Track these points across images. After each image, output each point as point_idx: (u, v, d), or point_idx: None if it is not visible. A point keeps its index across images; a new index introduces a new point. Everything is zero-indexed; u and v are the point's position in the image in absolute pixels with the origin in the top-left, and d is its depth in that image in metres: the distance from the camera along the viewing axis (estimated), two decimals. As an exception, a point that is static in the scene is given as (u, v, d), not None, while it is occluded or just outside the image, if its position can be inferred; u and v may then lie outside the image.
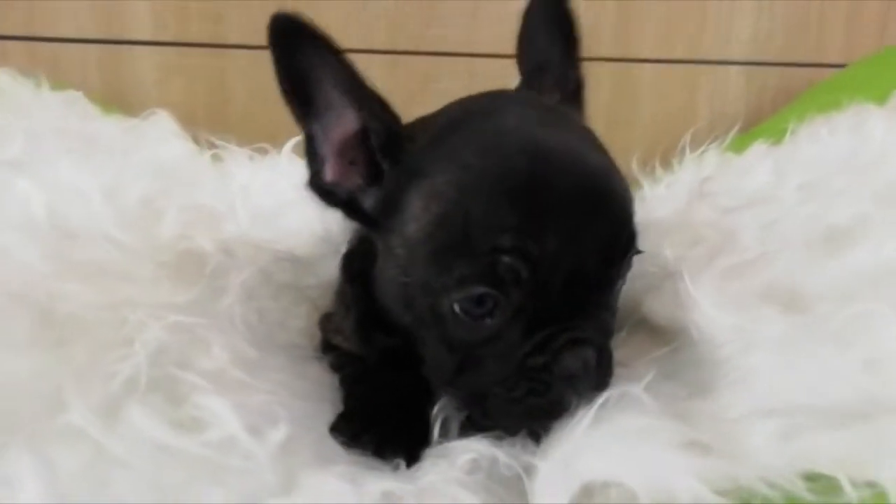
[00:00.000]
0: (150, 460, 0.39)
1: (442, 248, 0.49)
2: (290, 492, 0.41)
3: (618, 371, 0.53)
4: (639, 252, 0.53)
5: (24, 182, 0.60)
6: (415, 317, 0.53)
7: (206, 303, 0.61)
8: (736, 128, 1.06)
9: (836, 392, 0.44)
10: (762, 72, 1.40)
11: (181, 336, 0.52)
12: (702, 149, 1.03)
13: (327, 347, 0.67)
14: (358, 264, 0.62)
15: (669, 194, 0.92)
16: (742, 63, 1.39)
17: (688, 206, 0.80)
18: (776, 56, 1.39)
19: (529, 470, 0.45)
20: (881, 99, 0.93)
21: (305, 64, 0.50)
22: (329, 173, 0.54)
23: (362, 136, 0.53)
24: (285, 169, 0.94)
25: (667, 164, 1.08)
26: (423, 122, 0.56)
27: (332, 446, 0.50)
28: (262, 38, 1.30)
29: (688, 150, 1.01)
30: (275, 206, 0.88)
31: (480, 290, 0.48)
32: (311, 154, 0.53)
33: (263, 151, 1.00)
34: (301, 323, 0.68)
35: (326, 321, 0.69)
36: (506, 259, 0.46)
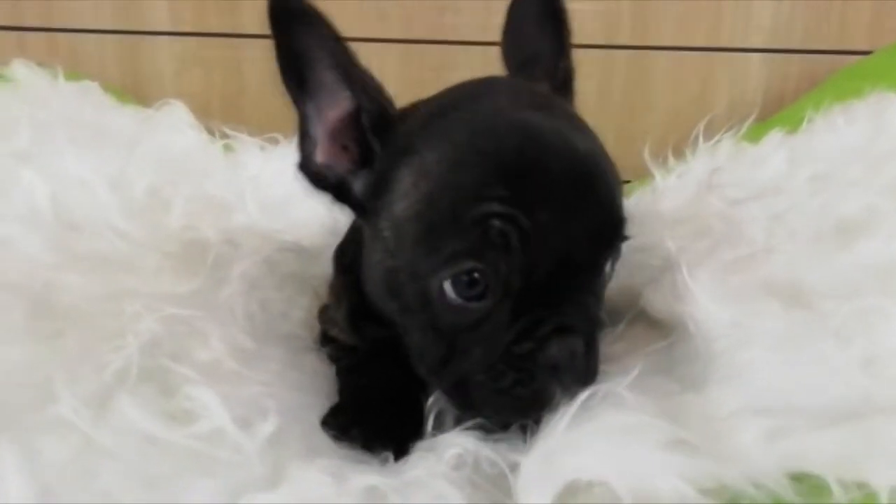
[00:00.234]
0: (138, 452, 0.40)
1: (430, 225, 0.49)
2: (277, 485, 0.41)
3: (610, 366, 0.53)
4: (626, 238, 0.52)
5: (29, 173, 0.61)
6: (401, 304, 0.53)
7: (208, 293, 0.62)
8: (752, 117, 1.04)
9: (832, 390, 0.43)
10: (783, 59, 1.36)
11: (178, 327, 0.53)
12: (716, 138, 1.01)
13: (325, 339, 0.67)
14: (349, 256, 0.63)
15: (680, 184, 0.91)
16: (762, 50, 1.36)
17: (696, 197, 0.79)
18: (798, 43, 1.35)
19: (515, 467, 0.44)
20: (906, 87, 0.90)
21: (303, 44, 0.51)
22: (320, 155, 0.55)
23: (355, 117, 0.53)
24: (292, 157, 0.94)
25: (681, 153, 1.06)
26: (416, 105, 0.57)
27: (324, 439, 0.51)
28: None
29: (701, 140, 0.99)
30: (284, 196, 0.89)
31: (470, 264, 0.47)
32: (304, 134, 0.54)
33: (275, 141, 1.00)
34: (303, 314, 0.69)
35: (323, 313, 0.69)
36: (496, 224, 0.46)
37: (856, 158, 0.75)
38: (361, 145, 0.54)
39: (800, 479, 0.39)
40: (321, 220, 0.86)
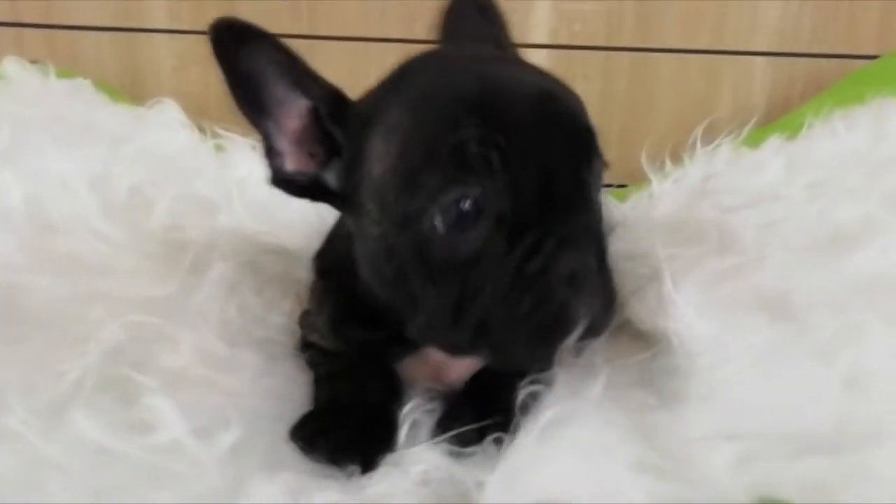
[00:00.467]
0: (88, 464, 0.39)
1: (409, 171, 0.48)
2: (233, 500, 0.40)
3: (589, 378, 0.52)
4: (604, 161, 0.51)
5: (5, 173, 0.61)
6: (398, 273, 0.51)
7: (184, 297, 0.61)
8: (752, 121, 1.01)
9: (810, 412, 0.41)
10: (789, 63, 1.33)
11: (146, 333, 0.52)
12: (715, 143, 0.99)
13: (305, 345, 0.66)
14: (329, 260, 0.63)
15: (676, 190, 0.89)
16: (768, 53, 1.33)
17: (691, 203, 0.77)
18: (804, 46, 1.32)
19: (481, 485, 0.43)
20: (914, 92, 0.88)
21: (250, 65, 0.51)
22: (289, 164, 0.55)
23: (314, 118, 0.53)
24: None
25: (680, 158, 1.04)
26: (369, 89, 0.56)
27: (291, 450, 0.50)
28: (274, 25, 1.30)
29: (699, 145, 0.97)
30: (272, 197, 0.88)
31: (455, 192, 0.46)
32: (269, 151, 0.54)
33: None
34: (283, 319, 0.67)
35: (304, 318, 0.68)
36: (473, 147, 0.46)
37: (855, 165, 0.73)
38: (326, 142, 0.54)
39: (768, 505, 0.38)
40: (308, 221, 0.85)
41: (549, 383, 0.55)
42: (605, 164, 0.52)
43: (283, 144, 0.54)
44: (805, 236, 0.61)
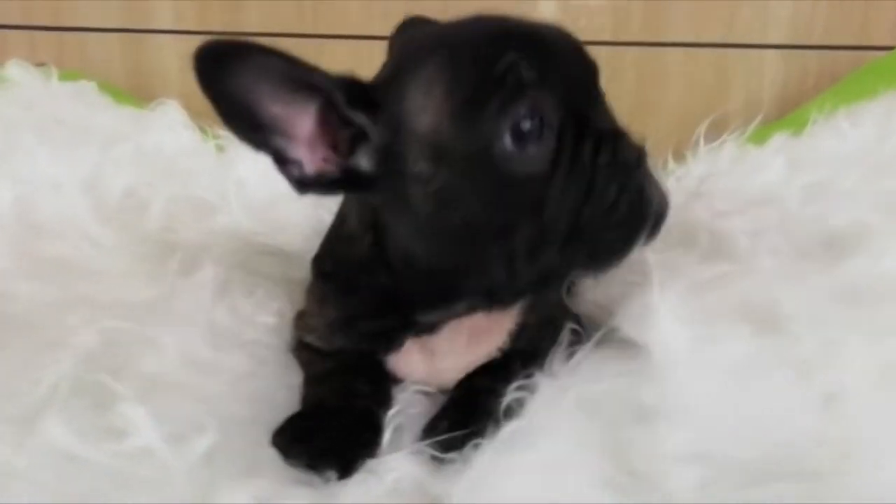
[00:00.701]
0: (56, 471, 0.39)
1: (466, 107, 0.50)
2: (202, 508, 0.41)
3: (568, 389, 0.51)
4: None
5: (-5, 177, 0.62)
6: (467, 224, 0.51)
7: (172, 299, 0.62)
8: (758, 118, 0.99)
9: (782, 431, 0.40)
10: (802, 56, 1.30)
11: (128, 337, 0.53)
12: (720, 140, 0.97)
13: (299, 346, 0.67)
14: (331, 262, 0.63)
15: (676, 189, 0.87)
16: (780, 46, 1.30)
17: (686, 205, 0.76)
18: (818, 38, 1.28)
19: (449, 495, 0.43)
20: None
21: (241, 89, 0.48)
22: (311, 168, 0.52)
23: (328, 112, 0.51)
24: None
25: (690, 154, 1.02)
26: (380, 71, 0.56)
27: (269, 455, 0.50)
28: (279, 25, 1.31)
29: (702, 143, 0.95)
30: (270, 197, 0.88)
31: (518, 107, 0.49)
32: (284, 164, 0.52)
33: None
34: (273, 320, 0.68)
35: (300, 319, 0.69)
36: (522, 68, 0.49)
37: (856, 165, 0.71)
38: (348, 130, 0.52)
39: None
40: (307, 222, 0.85)
41: (533, 390, 0.55)
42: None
43: (299, 152, 0.51)
44: (798, 242, 0.60)
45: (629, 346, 0.58)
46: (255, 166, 0.94)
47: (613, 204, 0.50)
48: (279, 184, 0.91)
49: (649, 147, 1.01)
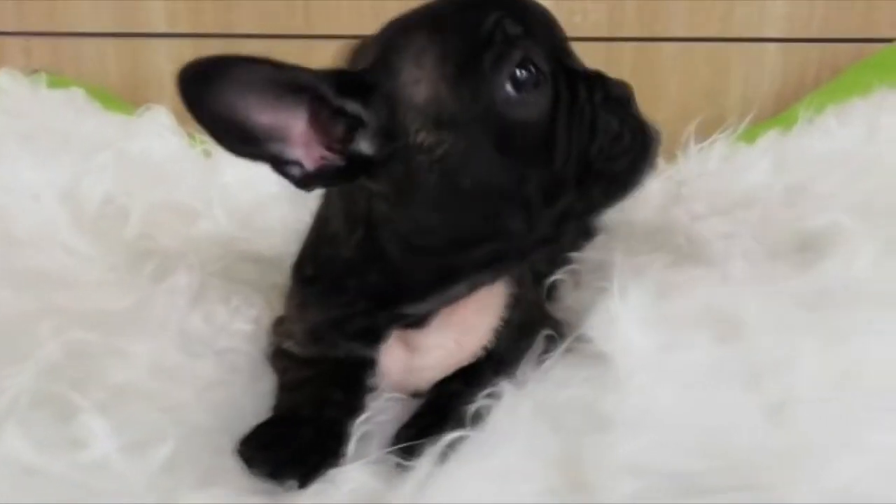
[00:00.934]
0: (13, 483, 0.40)
1: (462, 67, 0.51)
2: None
3: (529, 395, 0.51)
4: None
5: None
6: (479, 183, 0.52)
7: (145, 307, 0.63)
8: (750, 116, 0.97)
9: (730, 440, 0.40)
10: (802, 49, 1.28)
11: (94, 347, 0.53)
12: (711, 139, 0.95)
13: (277, 352, 0.67)
14: (315, 266, 0.63)
15: (663, 190, 0.86)
16: (779, 40, 1.27)
17: (667, 207, 0.75)
18: (817, 31, 1.26)
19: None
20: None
21: (228, 104, 0.48)
22: (311, 164, 0.52)
23: (317, 107, 0.51)
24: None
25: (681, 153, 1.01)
26: (360, 54, 0.56)
27: (232, 464, 0.50)
28: (270, 26, 1.30)
29: (692, 142, 0.93)
30: (255, 202, 0.89)
31: (514, 55, 0.51)
32: (282, 167, 0.52)
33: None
34: (248, 327, 0.68)
35: (278, 325, 0.69)
36: (509, 23, 0.51)
37: (839, 166, 0.70)
38: (341, 119, 0.52)
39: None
40: (288, 226, 0.86)
41: (498, 397, 0.55)
42: None
43: (296, 152, 0.51)
44: (773, 245, 0.59)
45: (597, 354, 0.57)
46: (240, 171, 0.95)
47: (617, 136, 0.53)
48: (264, 188, 0.92)
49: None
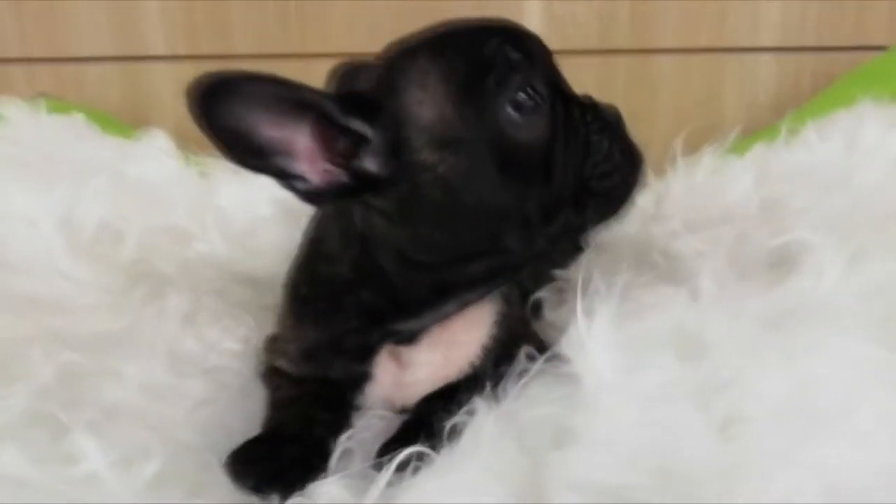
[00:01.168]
0: (9, 495, 0.42)
1: (466, 90, 0.54)
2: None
3: (503, 417, 0.52)
4: None
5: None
6: (480, 201, 0.55)
7: (139, 328, 0.65)
8: (737, 129, 0.98)
9: (678, 458, 0.41)
10: (796, 58, 1.29)
11: (87, 368, 0.56)
12: (698, 153, 0.95)
13: (269, 370, 0.69)
14: (309, 285, 0.65)
15: (651, 206, 0.87)
16: (773, 49, 1.28)
17: (646, 225, 0.76)
18: (811, 40, 1.27)
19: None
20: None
21: (236, 118, 0.50)
22: (317, 179, 0.54)
23: (321, 124, 0.53)
24: (264, 182, 0.96)
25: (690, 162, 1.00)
26: (365, 76, 0.59)
27: (217, 479, 0.52)
28: (266, 46, 1.32)
29: (679, 157, 0.94)
30: (249, 224, 0.91)
31: (515, 80, 0.54)
32: (289, 180, 0.54)
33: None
34: (238, 346, 0.71)
35: (271, 343, 0.71)
36: (509, 49, 0.54)
37: (815, 180, 0.71)
38: (347, 137, 0.54)
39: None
40: (281, 248, 0.88)
41: (472, 414, 0.56)
42: None
43: (302, 167, 0.53)
44: (745, 263, 0.60)
45: (569, 373, 0.59)
46: (235, 193, 0.97)
47: (608, 155, 0.57)
48: (258, 210, 0.94)
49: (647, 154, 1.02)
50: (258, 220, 0.91)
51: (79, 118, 1.01)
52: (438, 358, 0.64)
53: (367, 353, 0.63)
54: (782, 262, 0.59)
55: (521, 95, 0.54)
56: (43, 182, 0.78)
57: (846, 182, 0.67)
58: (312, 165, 0.54)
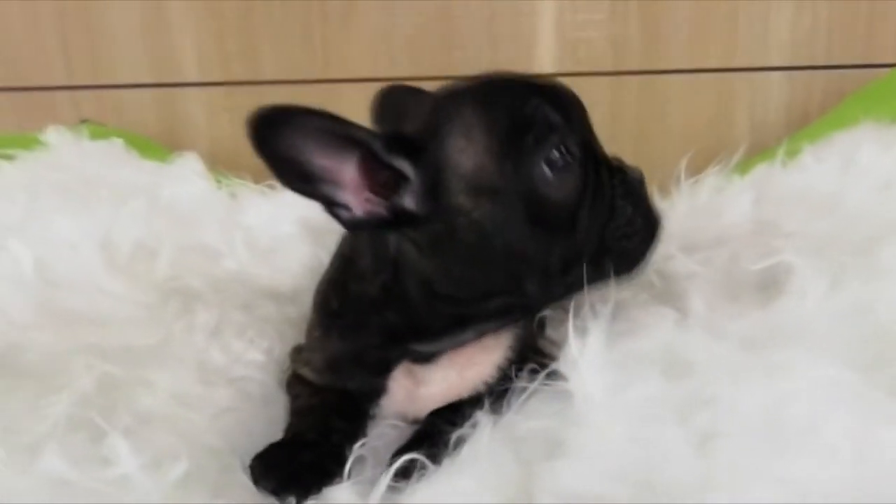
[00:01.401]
0: (51, 493, 0.48)
1: (506, 145, 0.58)
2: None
3: (503, 426, 0.56)
4: None
5: (16, 241, 0.72)
6: (508, 247, 0.59)
7: (169, 342, 0.70)
8: (742, 148, 1.00)
9: (658, 471, 0.44)
10: (806, 76, 1.30)
11: (126, 377, 0.61)
12: (703, 173, 0.98)
13: (293, 377, 0.74)
14: (340, 302, 0.69)
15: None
16: (783, 68, 1.30)
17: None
18: (821, 58, 1.29)
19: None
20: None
21: (289, 147, 0.54)
22: (359, 210, 0.58)
23: (367, 160, 0.57)
24: (289, 201, 1.02)
25: (695, 183, 1.02)
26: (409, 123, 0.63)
27: (241, 481, 0.57)
28: (292, 72, 1.38)
29: (682, 176, 0.97)
30: (273, 242, 0.96)
31: (552, 141, 0.58)
32: (333, 208, 0.58)
33: (273, 187, 1.08)
34: (261, 357, 0.76)
35: (296, 353, 0.76)
36: (549, 111, 0.59)
37: (808, 202, 0.73)
38: (390, 174, 0.58)
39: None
40: (304, 264, 0.93)
41: (474, 425, 0.60)
42: None
43: (346, 197, 0.58)
44: (735, 284, 0.63)
45: (565, 390, 0.62)
46: (262, 212, 1.03)
47: (630, 220, 0.61)
48: (283, 229, 0.99)
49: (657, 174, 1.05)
50: (283, 238, 0.96)
51: (118, 143, 1.08)
52: (453, 376, 0.68)
53: (385, 368, 0.68)
54: (770, 285, 0.62)
55: (556, 155, 0.58)
56: (84, 205, 0.84)
57: (839, 204, 0.70)
58: (356, 196, 0.58)
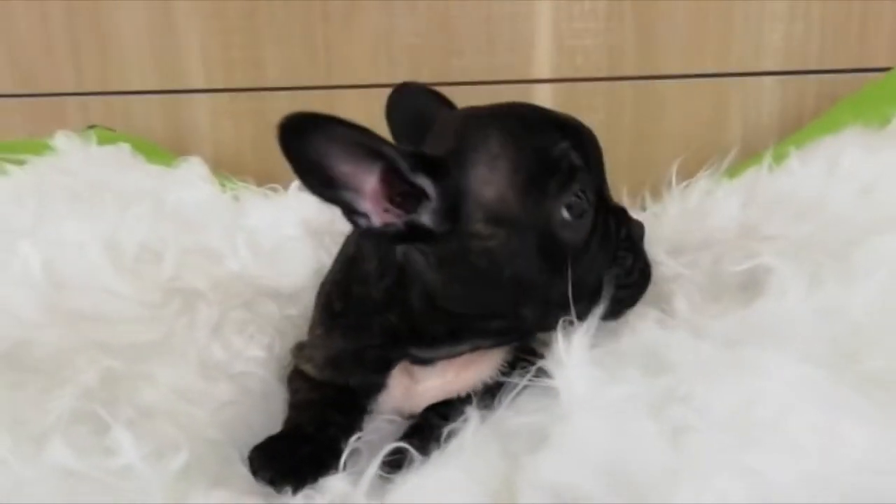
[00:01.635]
0: (57, 482, 0.50)
1: (530, 184, 0.61)
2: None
3: (494, 422, 0.58)
4: None
5: (26, 244, 0.74)
6: (516, 276, 0.62)
7: (171, 339, 0.73)
8: (733, 152, 1.02)
9: (637, 462, 0.46)
10: (799, 81, 1.32)
11: (130, 373, 0.64)
12: (694, 177, 1.00)
13: (294, 372, 0.76)
14: (344, 303, 0.71)
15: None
16: (776, 73, 1.32)
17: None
18: (814, 63, 1.30)
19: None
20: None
21: (316, 152, 0.56)
22: (377, 220, 0.60)
23: (389, 173, 0.59)
24: (291, 204, 1.05)
25: (686, 187, 1.04)
26: (431, 143, 0.65)
27: (239, 472, 0.60)
28: (295, 79, 1.43)
29: (674, 181, 0.99)
30: (276, 243, 0.99)
31: (576, 186, 0.61)
32: (352, 215, 0.60)
33: (276, 190, 1.11)
34: (261, 354, 0.78)
35: (298, 350, 0.78)
36: (574, 156, 0.62)
37: (792, 205, 0.75)
38: (411, 190, 0.60)
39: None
40: (309, 262, 0.96)
41: (466, 420, 0.63)
42: None
43: (366, 206, 0.59)
44: (718, 286, 0.66)
45: (551, 386, 0.64)
46: (264, 215, 1.05)
47: (629, 271, 0.65)
48: (285, 231, 1.02)
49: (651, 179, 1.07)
50: (284, 239, 0.99)
51: (125, 148, 1.11)
52: (450, 376, 0.71)
53: (385, 367, 0.70)
54: (750, 286, 0.64)
55: (574, 200, 0.61)
56: (91, 209, 0.87)
57: (822, 207, 0.72)
58: (375, 206, 0.60)
